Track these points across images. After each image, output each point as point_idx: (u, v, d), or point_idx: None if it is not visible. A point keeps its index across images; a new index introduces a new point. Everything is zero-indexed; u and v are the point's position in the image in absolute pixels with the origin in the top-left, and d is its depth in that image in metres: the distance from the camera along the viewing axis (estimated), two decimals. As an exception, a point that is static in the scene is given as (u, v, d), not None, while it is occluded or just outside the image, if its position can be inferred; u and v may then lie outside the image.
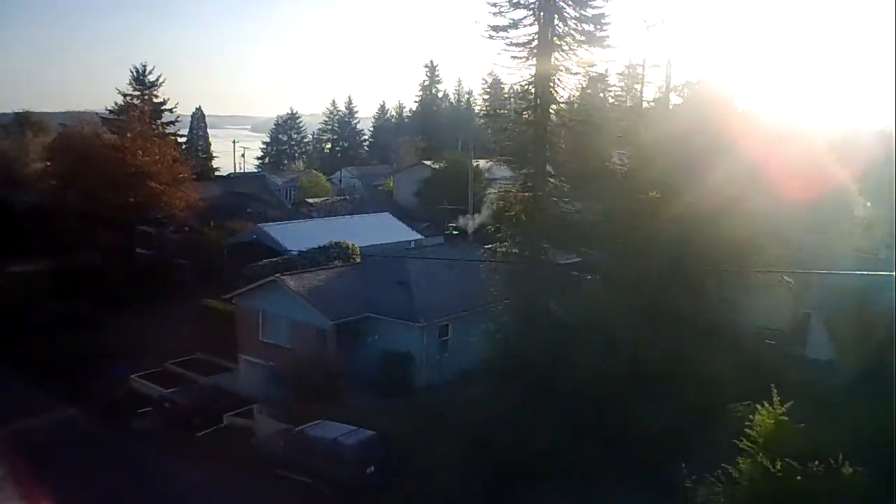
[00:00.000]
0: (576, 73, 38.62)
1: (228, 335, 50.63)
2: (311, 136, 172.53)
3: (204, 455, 41.41)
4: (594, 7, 37.17)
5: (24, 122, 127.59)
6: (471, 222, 62.33)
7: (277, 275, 48.48)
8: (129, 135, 75.79)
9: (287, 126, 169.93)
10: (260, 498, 36.79)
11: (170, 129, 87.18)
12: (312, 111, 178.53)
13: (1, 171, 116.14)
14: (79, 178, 71.93)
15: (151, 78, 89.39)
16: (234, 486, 37.86)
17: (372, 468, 35.71)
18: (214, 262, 67.00)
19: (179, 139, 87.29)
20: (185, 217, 74.97)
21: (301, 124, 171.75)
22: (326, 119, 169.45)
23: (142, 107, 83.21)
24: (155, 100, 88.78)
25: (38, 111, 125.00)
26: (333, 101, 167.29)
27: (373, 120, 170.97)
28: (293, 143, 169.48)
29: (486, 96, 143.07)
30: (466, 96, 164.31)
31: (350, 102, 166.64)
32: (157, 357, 53.49)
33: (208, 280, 63.35)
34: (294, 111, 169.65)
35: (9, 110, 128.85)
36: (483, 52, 37.62)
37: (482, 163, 79.46)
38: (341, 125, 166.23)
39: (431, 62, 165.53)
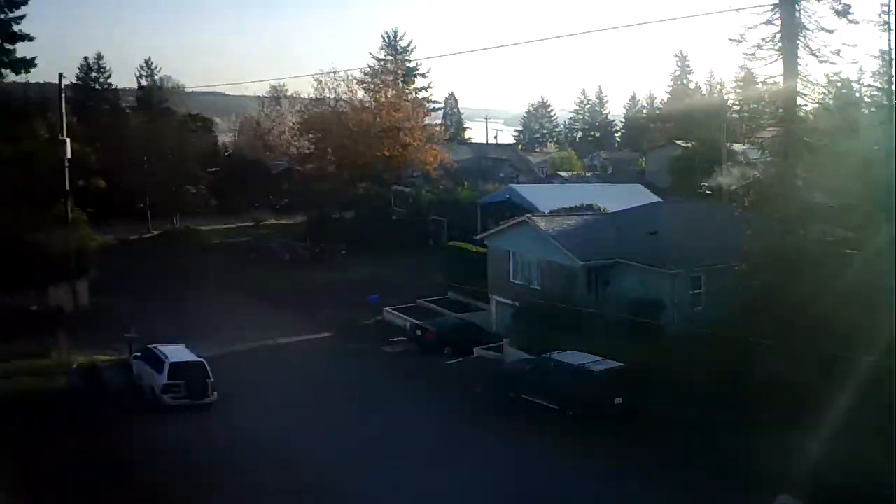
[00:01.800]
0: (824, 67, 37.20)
1: (479, 278, 51.80)
2: (562, 126, 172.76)
3: (452, 380, 42.86)
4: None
5: (279, 93, 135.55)
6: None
7: (528, 215, 49.22)
8: (381, 94, 78.81)
9: (538, 114, 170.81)
10: (508, 420, 37.44)
11: (422, 95, 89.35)
12: (563, 106, 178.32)
13: (257, 138, 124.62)
14: (331, 134, 75.78)
15: (403, 44, 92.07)
16: (481, 409, 38.89)
17: (620, 398, 35.69)
18: (466, 219, 68.65)
19: (433, 104, 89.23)
20: (439, 177, 77.29)
21: (552, 113, 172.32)
22: (577, 109, 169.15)
23: (394, 69, 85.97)
24: (407, 64, 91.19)
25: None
26: (584, 91, 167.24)
27: (624, 110, 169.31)
28: (544, 131, 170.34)
29: (738, 90, 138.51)
30: (718, 87, 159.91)
31: (600, 92, 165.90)
32: (410, 294, 55.61)
33: (460, 236, 65.20)
34: (545, 100, 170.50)
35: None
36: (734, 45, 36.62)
37: (737, 146, 77.42)
38: (592, 115, 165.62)
39: (681, 52, 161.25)
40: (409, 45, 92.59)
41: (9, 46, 46.42)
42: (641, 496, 29.21)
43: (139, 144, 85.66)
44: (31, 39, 46.19)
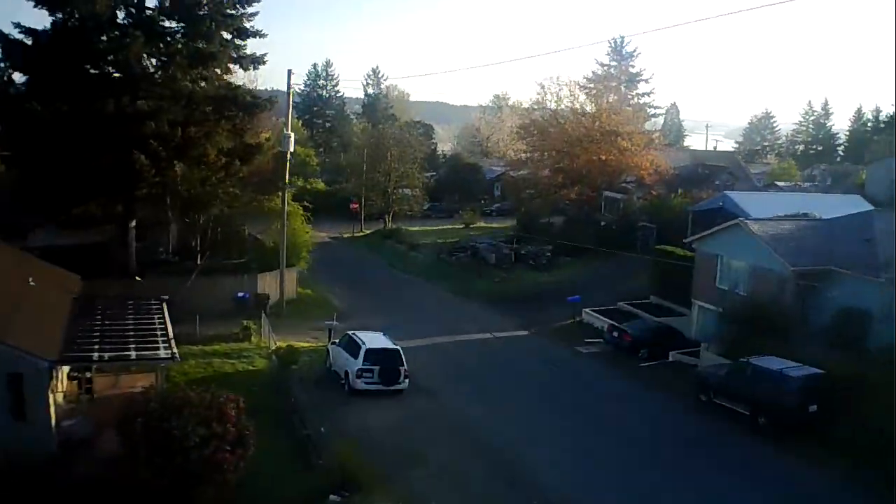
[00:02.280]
0: None
1: (684, 282, 51.04)
2: (783, 138, 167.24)
3: (646, 381, 42.73)
4: None
5: (501, 102, 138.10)
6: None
7: (741, 218, 48.12)
8: (603, 100, 78.78)
9: (760, 125, 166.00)
10: (698, 421, 37.08)
11: (644, 100, 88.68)
12: (786, 119, 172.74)
13: (475, 145, 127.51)
14: (549, 138, 76.45)
15: (629, 49, 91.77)
16: (672, 408, 38.70)
17: (815, 406, 34.45)
18: (676, 226, 67.54)
19: (654, 109, 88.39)
20: (653, 183, 76.43)
21: (775, 125, 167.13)
22: (801, 120, 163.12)
23: (618, 76, 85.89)
24: (631, 69, 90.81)
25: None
26: (809, 103, 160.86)
27: (849, 123, 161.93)
28: (766, 143, 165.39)
29: None
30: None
31: (826, 104, 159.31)
32: (611, 297, 55.51)
33: (669, 243, 64.37)
34: (768, 111, 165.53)
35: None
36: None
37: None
38: (816, 127, 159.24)
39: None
40: (634, 51, 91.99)
41: (239, 42, 48.04)
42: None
43: (361, 148, 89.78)
44: (262, 36, 47.61)
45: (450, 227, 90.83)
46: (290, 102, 53.11)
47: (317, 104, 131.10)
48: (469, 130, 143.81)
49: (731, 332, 43.09)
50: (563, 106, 79.77)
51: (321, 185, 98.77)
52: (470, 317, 53.73)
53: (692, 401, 39.03)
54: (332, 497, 26.32)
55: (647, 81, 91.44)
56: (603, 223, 77.11)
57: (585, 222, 76.01)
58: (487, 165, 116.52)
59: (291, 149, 51.84)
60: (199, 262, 50.02)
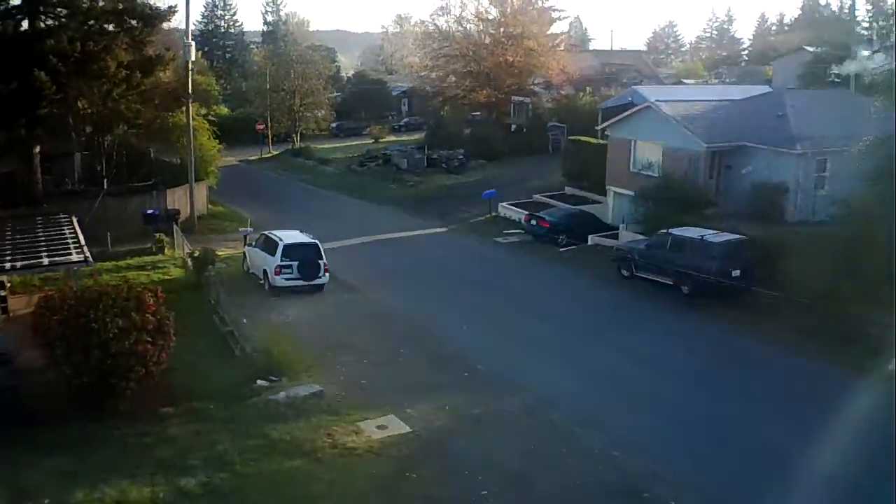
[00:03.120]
0: None
1: (598, 171, 50.91)
2: (688, 45, 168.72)
3: (567, 263, 42.60)
4: None
5: (403, 22, 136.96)
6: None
7: (654, 99, 47.87)
8: (507, 4, 77.72)
9: (664, 34, 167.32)
10: (622, 295, 37.04)
11: (549, 3, 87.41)
12: (690, 29, 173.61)
13: (380, 63, 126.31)
14: (454, 43, 75.79)
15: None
16: (595, 286, 38.65)
17: (738, 271, 34.44)
18: (588, 125, 67.33)
19: (559, 12, 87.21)
20: (561, 84, 76.14)
21: (678, 33, 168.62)
22: (705, 27, 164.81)
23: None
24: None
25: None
26: (713, 10, 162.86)
27: (752, 28, 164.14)
28: (670, 52, 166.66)
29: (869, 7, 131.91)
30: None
31: (729, 11, 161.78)
32: (526, 194, 55.18)
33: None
34: (672, 21, 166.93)
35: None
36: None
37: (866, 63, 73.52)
38: (720, 33, 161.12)
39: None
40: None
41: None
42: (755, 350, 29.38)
43: (260, 83, 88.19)
44: None
45: (359, 143, 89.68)
46: (189, 9, 51.07)
47: (216, 35, 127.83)
48: (373, 50, 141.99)
49: (648, 212, 42.90)
50: (467, 11, 78.52)
51: (224, 110, 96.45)
52: (385, 219, 53.03)
53: (614, 277, 38.86)
54: (259, 381, 25.56)
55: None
56: (513, 126, 76.69)
57: (496, 126, 75.44)
58: (393, 82, 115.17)
59: (192, 57, 50.07)
60: (104, 187, 48.21)
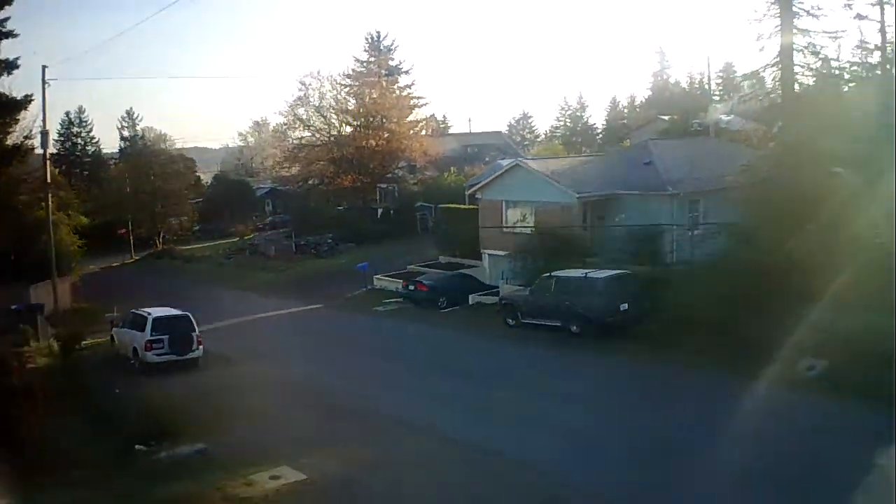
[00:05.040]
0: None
1: (471, 237, 50.26)
2: (543, 135, 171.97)
3: (451, 323, 41.56)
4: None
5: (261, 127, 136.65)
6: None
7: (519, 158, 47.82)
8: (366, 96, 77.89)
9: (519, 126, 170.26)
10: (511, 343, 35.88)
11: (406, 92, 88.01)
12: (544, 120, 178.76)
13: (240, 167, 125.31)
14: (317, 133, 75.78)
15: (386, 43, 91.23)
16: (482, 338, 37.49)
17: (625, 305, 33.85)
18: (455, 202, 67.33)
19: (418, 100, 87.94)
20: (425, 165, 76.25)
21: (533, 125, 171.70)
22: (558, 117, 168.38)
23: (377, 70, 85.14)
24: (391, 63, 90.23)
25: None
26: (565, 99, 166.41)
27: (605, 113, 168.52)
28: (526, 142, 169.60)
29: (719, 80, 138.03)
30: (699, 77, 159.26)
31: (581, 98, 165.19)
32: (400, 267, 54.20)
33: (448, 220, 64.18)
34: (527, 113, 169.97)
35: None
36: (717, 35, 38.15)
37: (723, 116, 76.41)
38: (573, 120, 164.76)
39: (661, 49, 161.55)
40: (392, 44, 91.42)
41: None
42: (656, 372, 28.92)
43: (120, 186, 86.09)
44: (14, 36, 43.66)
45: (225, 242, 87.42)
46: (45, 99, 48.72)
47: (73, 153, 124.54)
48: (233, 154, 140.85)
49: (526, 266, 42.20)
50: (326, 101, 78.22)
51: (84, 220, 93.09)
52: (258, 302, 50.96)
53: (501, 328, 37.84)
54: (137, 447, 23.36)
55: (407, 73, 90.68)
56: (380, 211, 76.09)
57: (364, 211, 74.71)
58: (256, 183, 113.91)
59: (51, 148, 47.99)
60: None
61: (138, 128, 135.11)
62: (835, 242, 29.19)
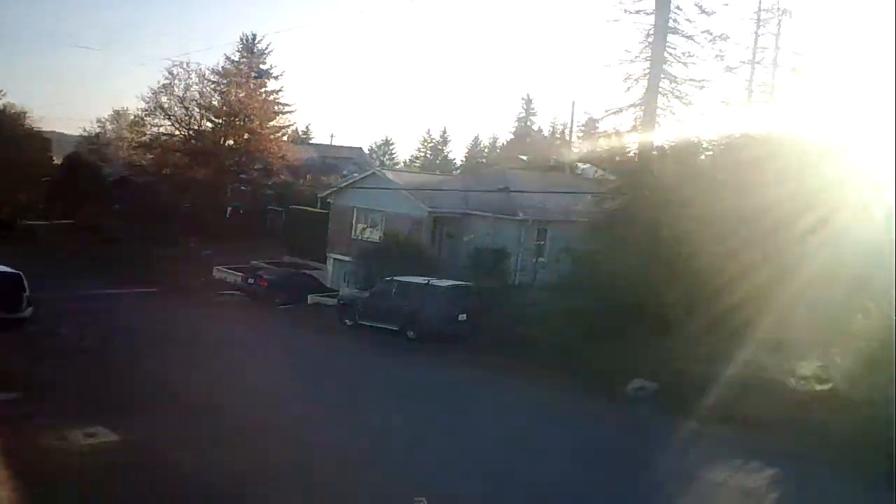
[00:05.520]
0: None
1: (317, 241, 49.80)
2: (403, 163, 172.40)
3: (286, 319, 40.85)
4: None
5: (121, 116, 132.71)
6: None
7: (378, 167, 47.66)
8: (232, 95, 76.53)
9: (381, 151, 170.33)
10: (345, 343, 35.54)
11: (274, 97, 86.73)
12: (406, 148, 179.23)
13: (93, 152, 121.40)
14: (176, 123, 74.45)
15: (261, 46, 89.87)
16: (316, 339, 36.79)
17: (464, 315, 33.95)
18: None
19: (285, 106, 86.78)
20: (280, 169, 75.26)
21: (394, 151, 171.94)
22: (420, 147, 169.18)
23: (247, 72, 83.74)
24: (262, 66, 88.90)
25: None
26: (428, 132, 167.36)
27: (466, 149, 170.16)
28: (386, 167, 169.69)
29: (580, 134, 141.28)
30: (561, 128, 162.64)
31: (444, 132, 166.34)
32: (243, 263, 52.87)
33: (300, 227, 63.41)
34: (389, 138, 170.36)
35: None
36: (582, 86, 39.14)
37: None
38: (434, 153, 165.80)
39: (528, 96, 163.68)
40: (266, 48, 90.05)
41: None
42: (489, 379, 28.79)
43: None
44: None
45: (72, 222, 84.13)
46: None
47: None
48: (89, 140, 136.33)
49: (370, 273, 41.85)
50: (190, 93, 76.40)
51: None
52: (96, 285, 48.36)
53: (336, 327, 37.38)
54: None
55: (276, 78, 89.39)
56: (229, 209, 74.63)
57: (213, 207, 73.00)
58: (108, 169, 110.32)
59: None
60: None
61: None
62: (675, 276, 30.07)
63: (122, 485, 16.95)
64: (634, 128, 38.50)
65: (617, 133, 40.77)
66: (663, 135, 39.15)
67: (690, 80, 38.37)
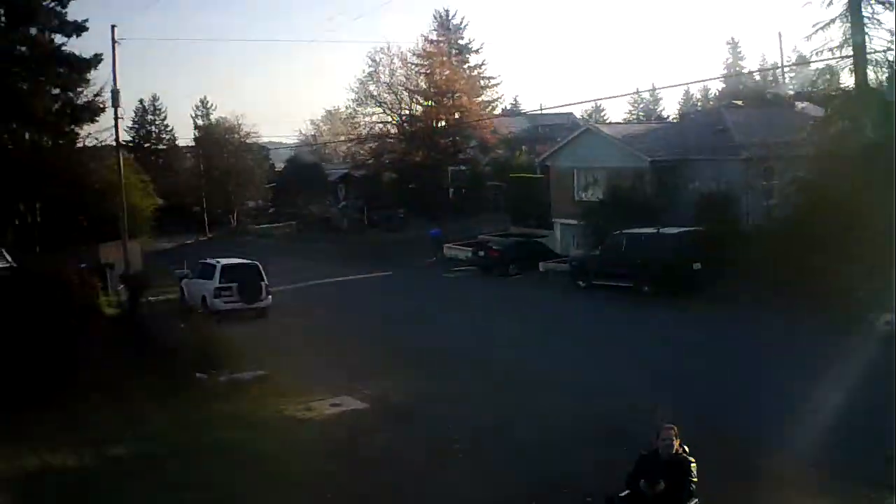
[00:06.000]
0: None
1: (542, 208, 50.16)
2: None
3: (521, 285, 41.49)
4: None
5: (334, 116, 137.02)
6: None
7: (591, 122, 47.25)
8: (437, 76, 77.56)
9: (592, 119, 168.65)
10: (583, 303, 35.57)
11: (477, 72, 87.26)
12: (616, 111, 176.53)
13: (313, 153, 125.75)
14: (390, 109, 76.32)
15: (455, 21, 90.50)
16: (553, 298, 37.07)
17: (699, 264, 33.14)
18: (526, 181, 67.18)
19: (489, 81, 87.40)
20: (495, 144, 75.87)
21: (604, 116, 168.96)
22: (630, 109, 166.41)
23: (447, 49, 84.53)
24: (460, 42, 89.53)
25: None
26: (637, 90, 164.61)
27: (678, 105, 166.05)
28: (599, 124, 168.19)
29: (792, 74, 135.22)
30: (771, 67, 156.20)
31: (654, 90, 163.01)
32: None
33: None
34: (599, 105, 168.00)
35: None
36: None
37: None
38: (647, 113, 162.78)
39: (733, 39, 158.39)
40: (461, 23, 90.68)
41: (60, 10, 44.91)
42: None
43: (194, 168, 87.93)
44: None
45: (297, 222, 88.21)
46: (115, 58, 49.04)
47: (148, 140, 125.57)
48: (307, 140, 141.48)
49: (597, 230, 41.52)
50: (396, 78, 78.09)
51: (157, 200, 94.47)
52: (328, 269, 50.79)
53: (571, 290, 37.29)
54: (198, 374, 23.33)
55: (477, 52, 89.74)
56: (452, 190, 75.82)
57: (435, 188, 74.47)
58: (329, 169, 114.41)
59: (125, 136, 48.60)
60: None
61: (212, 117, 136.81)
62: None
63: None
64: (845, 41, 36.01)
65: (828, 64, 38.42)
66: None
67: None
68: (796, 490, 13.84)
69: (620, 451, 13.45)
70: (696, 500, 10.92)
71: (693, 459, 11.10)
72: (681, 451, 11.23)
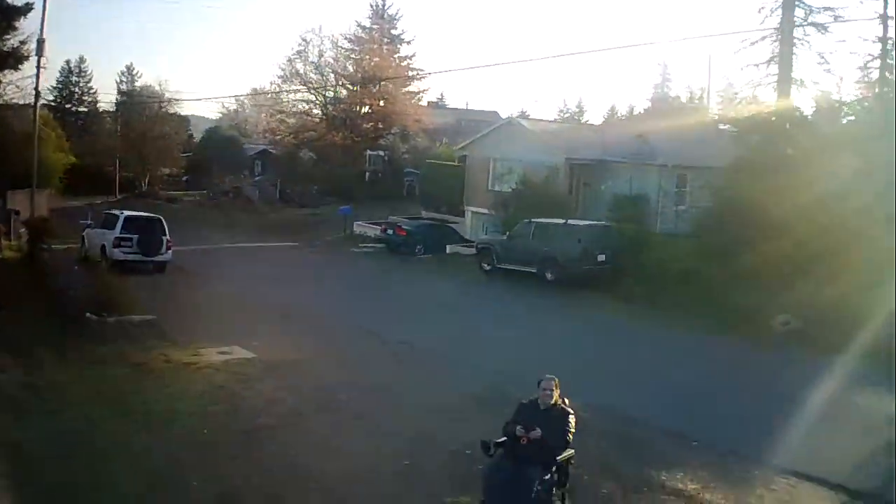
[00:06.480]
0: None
1: (454, 195, 50.05)
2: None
3: (426, 267, 41.30)
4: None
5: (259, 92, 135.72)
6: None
7: (514, 115, 47.55)
8: (366, 63, 77.35)
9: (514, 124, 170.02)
10: (485, 286, 35.71)
11: (407, 63, 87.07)
12: (540, 114, 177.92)
13: (233, 127, 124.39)
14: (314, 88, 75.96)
15: (391, 11, 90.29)
16: (457, 282, 36.78)
17: (603, 256, 33.47)
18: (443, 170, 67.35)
19: (418, 71, 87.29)
20: (417, 132, 75.82)
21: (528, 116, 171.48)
22: (556, 117, 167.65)
23: (379, 38, 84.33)
24: (393, 32, 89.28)
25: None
26: (564, 102, 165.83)
27: (603, 119, 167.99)
28: (521, 118, 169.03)
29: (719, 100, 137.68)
30: (699, 92, 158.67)
31: (580, 103, 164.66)
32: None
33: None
34: (524, 111, 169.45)
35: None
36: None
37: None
38: (570, 123, 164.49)
39: (664, 61, 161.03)
40: (396, 14, 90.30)
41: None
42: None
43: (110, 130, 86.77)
44: None
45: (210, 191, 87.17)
46: (46, 8, 47.82)
47: (70, 100, 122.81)
48: (227, 118, 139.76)
49: (508, 218, 41.62)
50: (324, 59, 77.73)
51: (73, 158, 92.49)
52: (237, 240, 50.24)
53: (475, 272, 37.31)
54: (87, 315, 22.88)
55: (409, 44, 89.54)
56: (368, 173, 75.56)
57: (352, 170, 74.16)
58: (248, 143, 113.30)
59: (47, 96, 47.32)
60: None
61: (137, 84, 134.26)
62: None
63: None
64: (772, 59, 36.61)
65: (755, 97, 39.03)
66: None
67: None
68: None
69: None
70: (572, 451, 10.99)
71: (572, 411, 11.19)
72: (560, 402, 11.30)
